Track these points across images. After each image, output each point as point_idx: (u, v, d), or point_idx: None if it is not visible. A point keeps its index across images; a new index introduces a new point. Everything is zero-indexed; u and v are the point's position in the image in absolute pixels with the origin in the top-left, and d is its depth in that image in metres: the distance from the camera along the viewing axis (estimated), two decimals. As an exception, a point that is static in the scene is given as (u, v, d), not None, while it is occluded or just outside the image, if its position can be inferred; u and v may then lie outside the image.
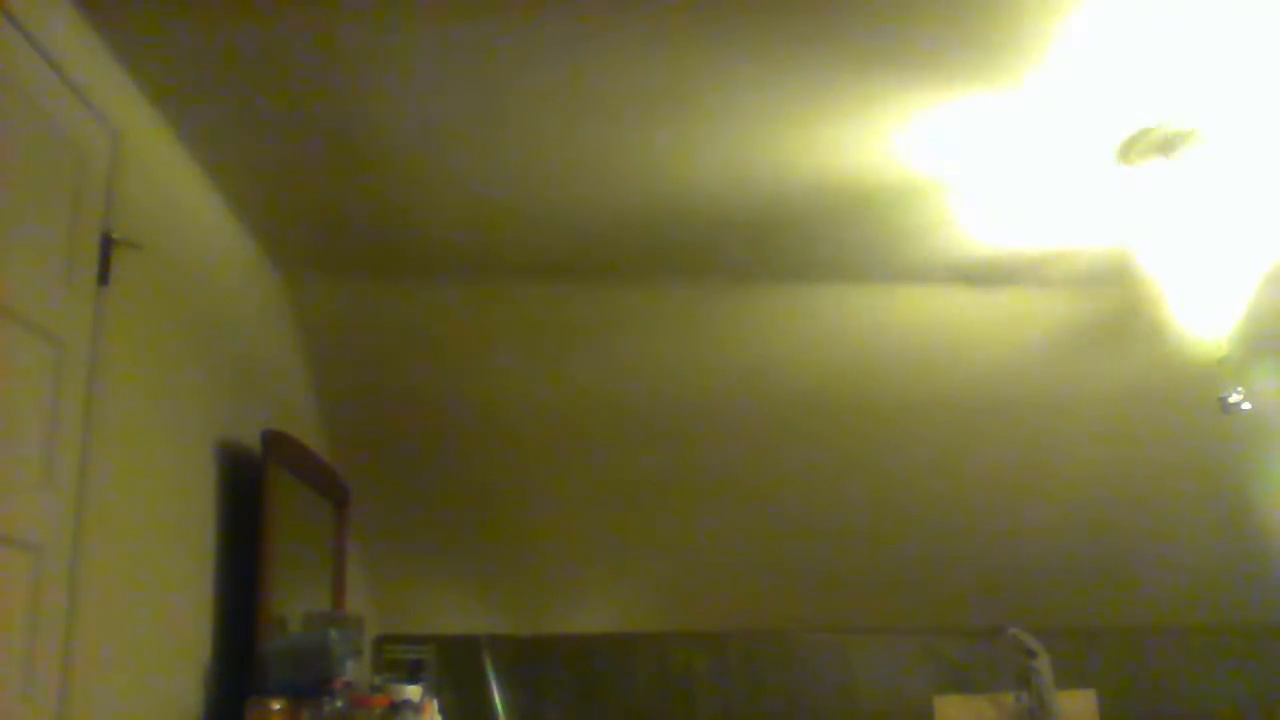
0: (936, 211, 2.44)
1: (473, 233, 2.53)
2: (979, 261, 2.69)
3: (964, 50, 1.83)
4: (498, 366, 2.96)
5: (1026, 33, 1.78)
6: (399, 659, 3.13)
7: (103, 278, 1.74)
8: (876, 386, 3.08)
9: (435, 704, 2.74)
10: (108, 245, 1.75)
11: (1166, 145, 2.14)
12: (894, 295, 2.89)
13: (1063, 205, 2.42)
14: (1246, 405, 2.33)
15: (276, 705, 2.02)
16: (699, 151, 2.16)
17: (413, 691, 2.52)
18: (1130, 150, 2.18)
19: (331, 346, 2.88)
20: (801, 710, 3.49)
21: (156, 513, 1.96)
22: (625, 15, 1.72)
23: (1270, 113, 2.06)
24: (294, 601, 2.42)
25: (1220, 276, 2.20)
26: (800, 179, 2.27)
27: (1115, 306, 2.86)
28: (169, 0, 1.67)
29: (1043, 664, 3.36)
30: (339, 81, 1.90)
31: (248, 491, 2.32)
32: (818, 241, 2.59)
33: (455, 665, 3.39)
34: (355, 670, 2.29)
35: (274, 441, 2.38)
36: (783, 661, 3.53)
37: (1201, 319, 2.27)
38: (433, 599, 3.49)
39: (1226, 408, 2.34)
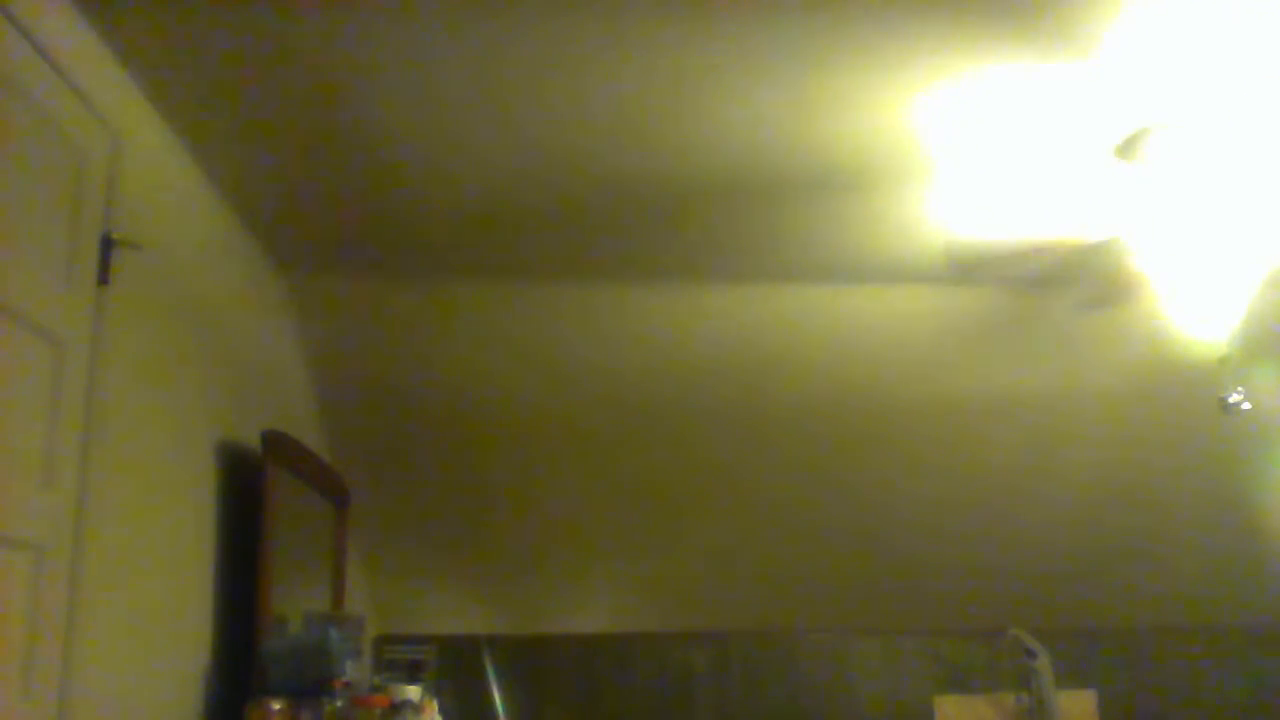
0: (935, 207, 2.44)
1: (473, 233, 2.53)
2: (978, 261, 2.69)
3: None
4: (497, 366, 2.97)
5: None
6: (399, 659, 3.13)
7: (103, 278, 1.74)
8: (876, 386, 3.08)
9: (435, 704, 2.74)
10: (108, 245, 1.75)
11: (1166, 144, 2.14)
12: (894, 295, 2.89)
13: (1062, 204, 2.42)
14: (1246, 405, 2.34)
15: (276, 705, 2.02)
16: (702, 149, 2.16)
17: (413, 691, 2.52)
18: (1130, 148, 2.18)
19: (331, 346, 2.88)
20: (801, 710, 3.49)
21: (156, 512, 1.96)
22: (624, 21, 1.72)
23: (1270, 112, 2.06)
24: (294, 601, 2.42)
25: (1220, 276, 2.20)
26: (798, 164, 2.25)
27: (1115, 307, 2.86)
28: (169, 1, 1.67)
29: (1043, 664, 3.36)
30: (339, 82, 1.90)
31: (248, 491, 2.32)
32: (815, 240, 2.59)
33: (455, 665, 3.39)
34: (355, 670, 2.29)
35: (274, 441, 2.38)
36: (783, 661, 3.53)
37: (1201, 319, 2.27)
38: (433, 599, 3.49)
39: (1226, 408, 2.34)
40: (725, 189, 2.33)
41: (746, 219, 2.48)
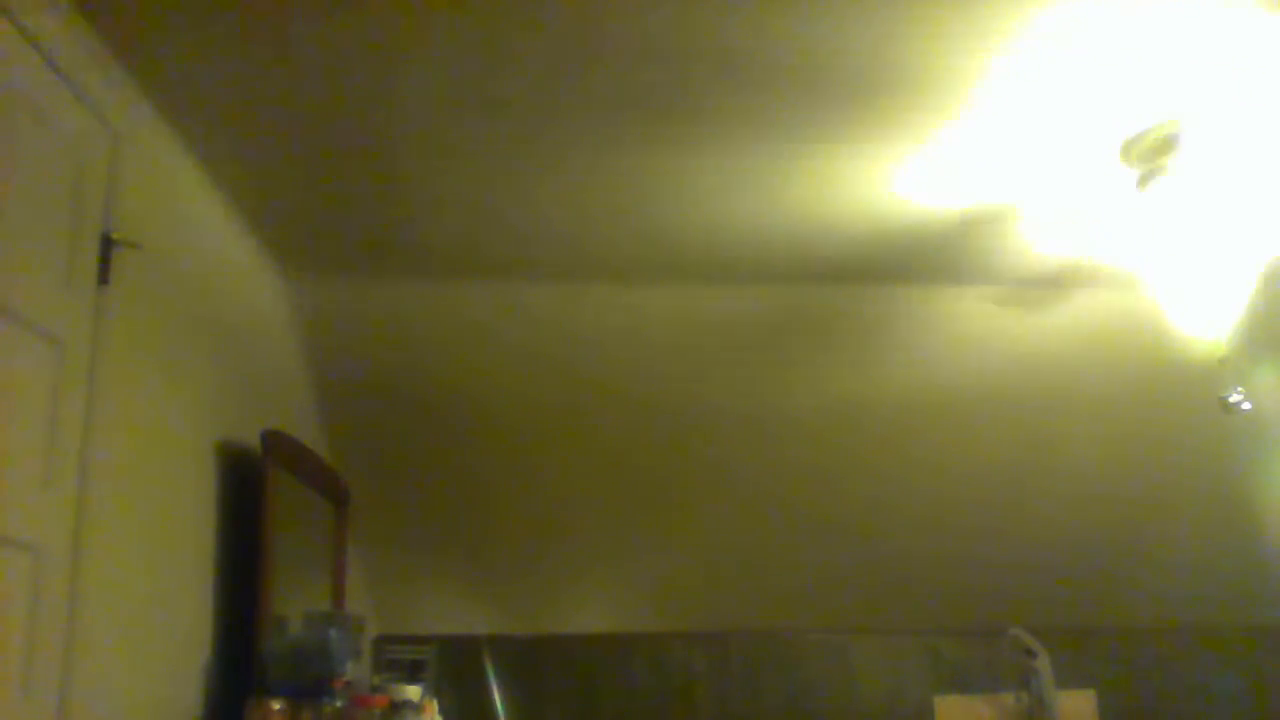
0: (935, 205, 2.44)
1: (473, 233, 2.53)
2: (979, 261, 2.69)
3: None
4: (498, 366, 2.96)
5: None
6: (399, 659, 3.13)
7: (103, 278, 1.74)
8: (876, 386, 3.08)
9: (435, 704, 2.74)
10: (108, 245, 1.75)
11: (1166, 146, 2.14)
12: (893, 297, 2.89)
13: (1062, 205, 2.42)
14: (1246, 405, 2.34)
15: (276, 705, 2.02)
16: (705, 158, 2.17)
17: (413, 691, 2.52)
18: (1130, 151, 2.18)
19: (331, 346, 2.88)
20: (801, 710, 3.49)
21: (156, 513, 1.96)
22: (628, 21, 1.72)
23: (1270, 112, 2.06)
24: (294, 601, 2.42)
25: (1220, 276, 2.20)
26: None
27: (1115, 307, 2.86)
28: (169, 1, 1.67)
29: (1043, 664, 3.36)
30: (340, 82, 1.90)
31: (248, 491, 2.32)
32: (815, 237, 2.59)
33: (455, 665, 3.39)
34: (355, 670, 2.29)
35: (274, 441, 2.38)
36: (783, 661, 3.53)
37: (1201, 319, 2.27)
38: (433, 599, 3.49)
39: (1226, 408, 2.34)
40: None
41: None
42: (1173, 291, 2.29)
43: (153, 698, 1.91)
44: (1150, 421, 3.17)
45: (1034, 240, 2.59)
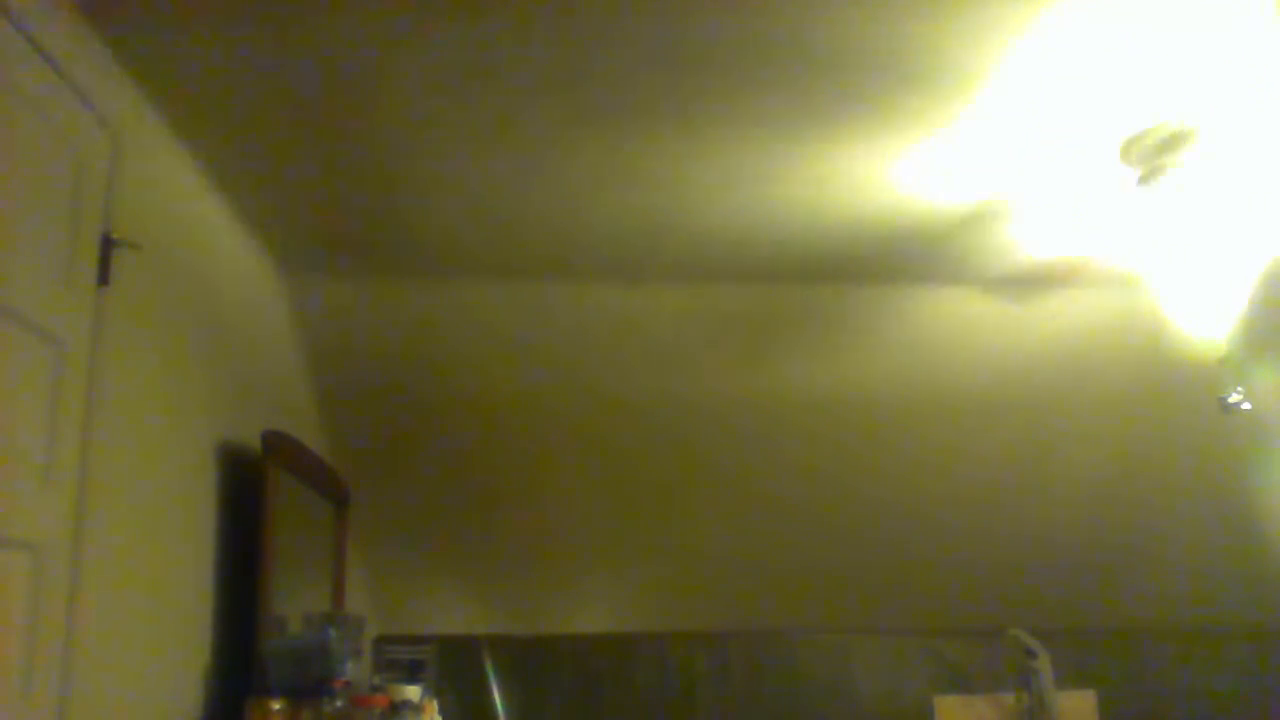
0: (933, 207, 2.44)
1: (473, 233, 2.53)
2: (978, 261, 2.69)
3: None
4: (498, 366, 2.96)
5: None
6: (399, 659, 3.13)
7: (103, 278, 1.74)
8: (876, 386, 3.08)
9: (435, 704, 2.74)
10: (108, 245, 1.75)
11: (1166, 146, 2.14)
12: (893, 296, 2.89)
13: (1062, 206, 2.42)
14: (1246, 405, 2.34)
15: (276, 705, 2.02)
16: (701, 156, 2.17)
17: (413, 691, 2.52)
18: (1130, 151, 2.18)
19: (331, 346, 2.88)
20: (801, 710, 3.49)
21: (156, 513, 1.96)
22: (624, 18, 1.72)
23: (1269, 112, 2.06)
24: (294, 601, 2.42)
25: (1220, 276, 2.20)
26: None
27: (1115, 307, 2.86)
28: (169, 1, 1.67)
29: (1043, 664, 3.36)
30: (339, 82, 1.90)
31: (248, 491, 2.32)
32: (814, 238, 2.59)
33: (455, 665, 3.39)
34: (355, 670, 2.29)
35: (274, 441, 2.38)
36: (783, 661, 3.53)
37: (1201, 319, 2.27)
38: (433, 599, 3.49)
39: (1226, 408, 2.35)
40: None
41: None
42: (1173, 291, 2.29)
43: (153, 698, 1.91)
44: (1150, 421, 3.17)
45: (1034, 239, 2.59)
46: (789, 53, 1.82)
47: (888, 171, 2.26)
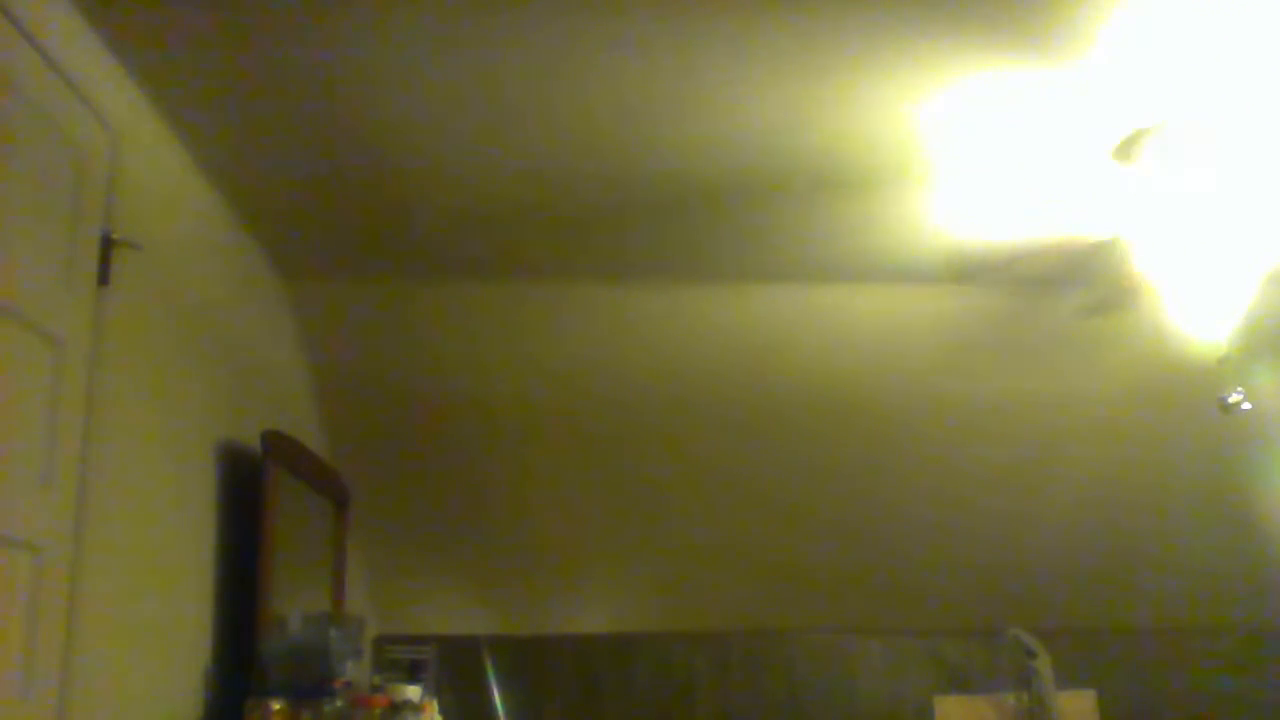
0: (934, 208, 2.44)
1: (473, 233, 2.53)
2: (978, 262, 2.69)
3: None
4: (497, 366, 2.96)
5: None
6: (399, 659, 3.13)
7: (103, 278, 1.74)
8: (876, 386, 3.08)
9: (435, 704, 2.74)
10: (108, 245, 1.75)
11: (1165, 145, 2.14)
12: (893, 295, 2.89)
13: (1062, 204, 2.42)
14: (1246, 405, 2.33)
15: (276, 705, 2.02)
16: (702, 150, 2.16)
17: (413, 691, 2.52)
18: (1129, 149, 2.18)
19: (331, 346, 2.88)
20: (802, 710, 3.49)
21: (156, 513, 1.96)
22: (625, 22, 1.72)
23: (1269, 111, 2.06)
24: (294, 601, 2.42)
25: (1220, 276, 2.20)
26: (797, 166, 2.26)
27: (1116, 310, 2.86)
28: (169, 1, 1.67)
29: (1043, 664, 3.36)
30: (340, 82, 1.90)
31: (248, 491, 2.32)
32: (814, 240, 2.59)
33: (455, 665, 3.39)
34: (355, 670, 2.29)
35: (274, 441, 2.38)
36: (783, 661, 3.53)
37: (1201, 319, 2.27)
38: (433, 599, 3.49)
39: (1226, 408, 2.34)
40: (725, 190, 2.33)
41: (746, 218, 2.48)
42: (1172, 291, 2.29)
43: (153, 698, 1.91)
44: (1150, 421, 3.17)
45: (1032, 240, 2.58)
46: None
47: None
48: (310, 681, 2.09)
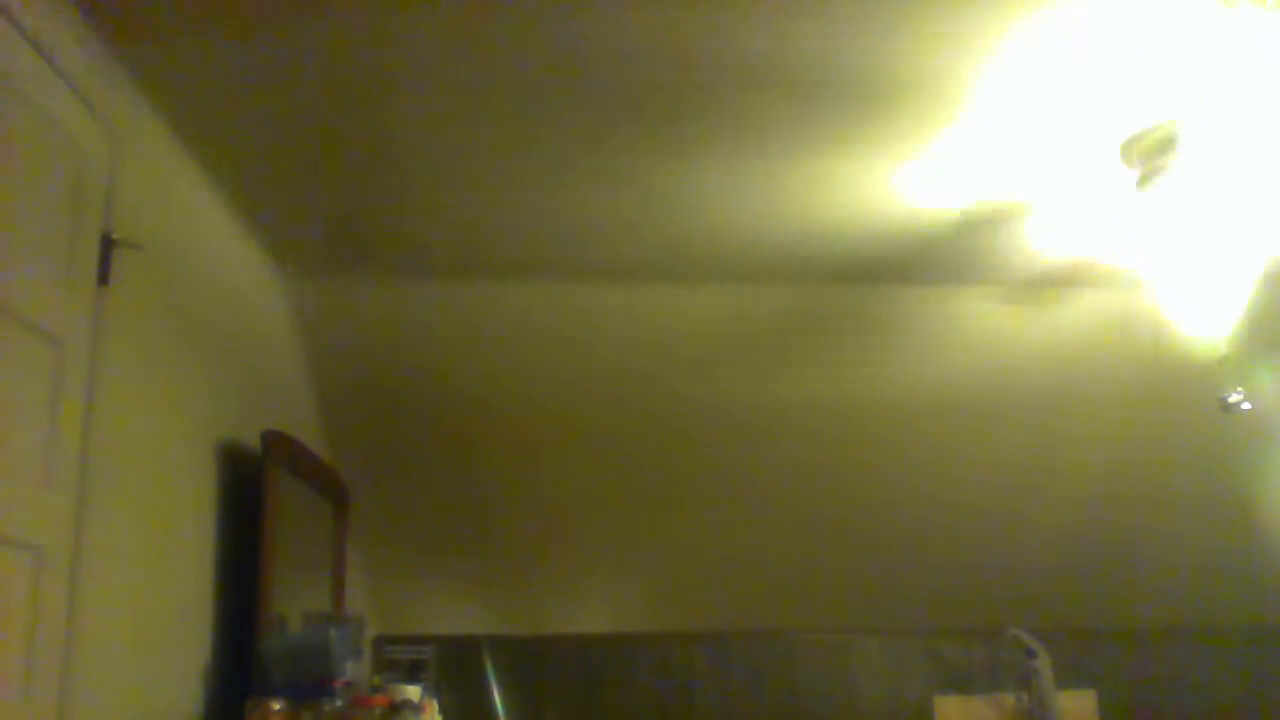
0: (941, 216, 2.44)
1: (472, 233, 2.53)
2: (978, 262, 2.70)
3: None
4: (497, 366, 2.96)
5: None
6: (399, 659, 3.13)
7: (103, 278, 1.74)
8: (875, 386, 3.08)
9: (435, 704, 2.74)
10: (108, 245, 1.75)
11: (1166, 146, 2.14)
12: (892, 298, 2.89)
13: (1062, 205, 2.42)
14: (1246, 405, 2.34)
15: (276, 705, 2.02)
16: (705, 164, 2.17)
17: (413, 691, 2.52)
18: (1130, 151, 2.18)
19: (331, 346, 2.88)
20: (801, 710, 3.49)
21: (156, 513, 1.96)
22: (626, 21, 1.72)
23: (1269, 112, 2.06)
24: (294, 601, 2.42)
25: (1220, 276, 2.20)
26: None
27: (1116, 307, 2.86)
28: (169, 1, 1.67)
29: (1043, 664, 3.36)
30: (340, 83, 1.90)
31: (248, 491, 2.32)
32: (813, 239, 2.59)
33: (455, 665, 3.39)
34: (355, 670, 2.29)
35: (274, 441, 2.38)
36: (783, 661, 3.53)
37: (1201, 319, 2.27)
38: (433, 599, 3.49)
39: (1226, 408, 2.34)
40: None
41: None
42: (1173, 291, 2.29)
43: (153, 697, 1.91)
44: (1150, 421, 3.17)
45: (1034, 240, 2.59)
46: (794, 63, 1.82)
47: (891, 176, 2.26)
48: (310, 681, 2.09)
